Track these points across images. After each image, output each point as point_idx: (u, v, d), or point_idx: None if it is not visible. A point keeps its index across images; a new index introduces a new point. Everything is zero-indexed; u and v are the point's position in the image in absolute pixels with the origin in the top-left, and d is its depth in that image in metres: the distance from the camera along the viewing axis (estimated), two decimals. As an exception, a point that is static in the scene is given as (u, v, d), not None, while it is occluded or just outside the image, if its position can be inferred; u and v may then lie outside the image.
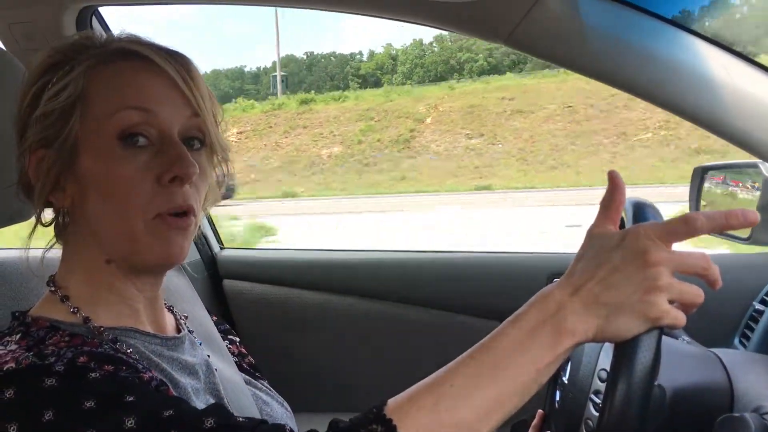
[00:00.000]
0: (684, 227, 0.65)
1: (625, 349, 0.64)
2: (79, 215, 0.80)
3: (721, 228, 0.66)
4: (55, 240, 0.85)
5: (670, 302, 0.64)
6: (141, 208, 0.76)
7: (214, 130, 0.83)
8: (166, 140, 0.78)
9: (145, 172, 0.77)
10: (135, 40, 0.81)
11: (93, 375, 0.67)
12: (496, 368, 0.64)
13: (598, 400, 0.92)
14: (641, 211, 0.74)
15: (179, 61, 0.81)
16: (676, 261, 0.64)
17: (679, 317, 0.64)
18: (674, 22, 1.06)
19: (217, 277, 1.99)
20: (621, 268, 0.64)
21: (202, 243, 1.95)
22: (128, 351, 0.77)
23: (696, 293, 0.65)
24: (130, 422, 0.63)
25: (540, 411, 1.24)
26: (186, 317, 0.97)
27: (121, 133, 0.76)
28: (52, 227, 0.85)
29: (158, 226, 0.77)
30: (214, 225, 2.06)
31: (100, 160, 0.77)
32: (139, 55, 0.79)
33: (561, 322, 0.64)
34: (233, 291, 1.97)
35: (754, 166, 1.28)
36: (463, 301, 1.82)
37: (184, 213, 0.79)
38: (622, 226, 0.73)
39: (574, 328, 0.63)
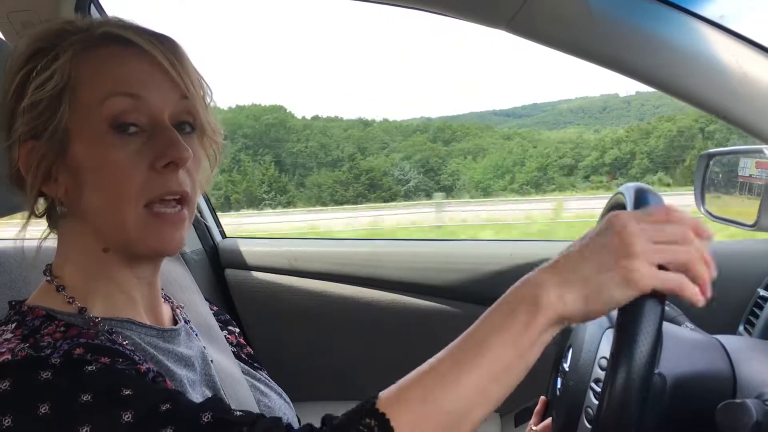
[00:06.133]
0: (665, 215, 0.66)
1: (624, 337, 0.64)
2: (74, 205, 0.79)
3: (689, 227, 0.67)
4: (49, 230, 0.85)
5: (662, 268, 0.64)
6: (135, 195, 0.75)
7: (203, 113, 0.82)
8: (157, 126, 0.77)
9: (138, 159, 0.76)
10: (119, 24, 0.80)
11: (89, 368, 0.66)
12: (479, 351, 0.64)
13: (598, 389, 0.91)
14: (642, 196, 0.74)
15: (165, 43, 0.79)
16: (656, 234, 0.65)
17: (668, 278, 0.64)
18: (681, 7, 1.04)
19: (218, 267, 1.98)
20: (597, 240, 0.65)
21: (203, 232, 1.95)
22: (124, 342, 0.76)
23: (684, 251, 0.65)
24: (127, 416, 0.62)
25: (542, 397, 1.24)
26: (182, 307, 0.96)
27: (111, 121, 0.75)
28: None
29: (150, 218, 0.76)
30: (215, 214, 2.05)
31: (92, 149, 0.76)
32: (124, 39, 0.78)
33: (536, 298, 0.64)
34: (235, 280, 1.96)
35: (760, 151, 1.27)
36: (463, 289, 1.82)
37: (178, 202, 0.78)
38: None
39: (549, 303, 0.64)
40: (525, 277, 0.67)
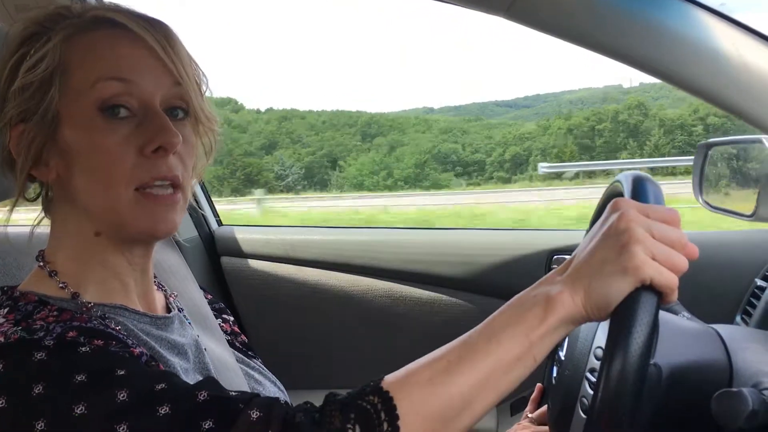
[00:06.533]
0: (667, 216, 0.66)
1: (620, 328, 0.63)
2: (65, 189, 0.79)
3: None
4: (42, 215, 0.84)
5: None
6: (124, 179, 0.75)
7: (197, 99, 0.82)
8: (147, 111, 0.77)
9: (127, 144, 0.75)
10: (112, 8, 0.79)
11: (83, 349, 0.66)
12: (490, 342, 0.64)
13: (593, 379, 0.91)
14: (639, 184, 0.73)
15: (158, 28, 0.79)
16: (653, 224, 0.65)
17: (666, 273, 0.64)
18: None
19: (214, 254, 1.98)
20: (599, 234, 0.66)
21: (199, 220, 1.95)
22: (117, 328, 0.76)
23: (680, 257, 0.65)
24: (122, 395, 0.62)
25: (539, 384, 1.24)
26: (176, 295, 0.96)
27: (101, 105, 0.75)
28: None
29: (141, 199, 0.76)
30: (211, 201, 2.05)
31: (82, 132, 0.76)
32: (116, 23, 0.77)
33: (550, 294, 0.65)
34: (231, 268, 1.96)
35: (759, 141, 1.26)
36: (460, 278, 1.82)
37: (170, 184, 0.78)
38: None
39: (562, 298, 0.64)
40: (542, 278, 0.69)
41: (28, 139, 0.77)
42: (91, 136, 0.75)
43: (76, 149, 0.76)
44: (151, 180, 0.76)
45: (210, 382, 0.70)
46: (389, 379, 0.65)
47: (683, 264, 0.65)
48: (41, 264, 0.81)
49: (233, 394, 0.67)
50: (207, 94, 0.86)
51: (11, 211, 0.85)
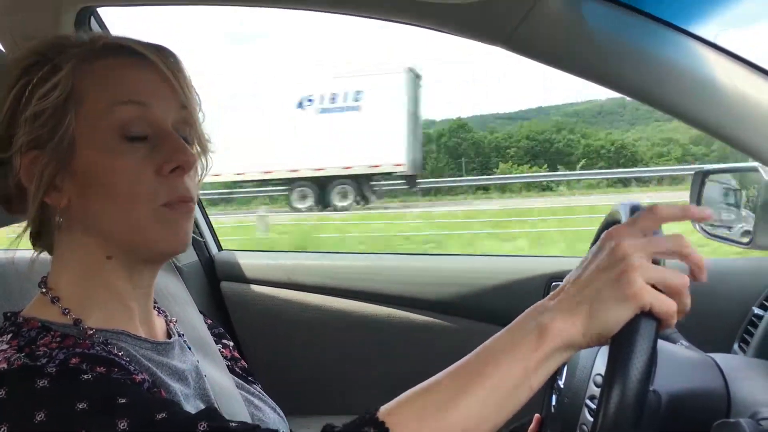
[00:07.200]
0: (651, 216, 0.67)
1: (619, 354, 0.64)
2: (76, 214, 0.79)
3: (680, 217, 0.69)
4: (38, 250, 0.85)
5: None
6: (145, 199, 0.77)
7: (198, 122, 0.85)
8: (162, 133, 0.79)
9: (145, 165, 0.77)
10: (120, 37, 0.82)
11: (85, 377, 0.66)
12: (485, 370, 0.64)
13: (593, 406, 0.91)
14: (638, 213, 0.74)
15: (167, 54, 0.81)
16: (651, 246, 0.65)
17: (664, 300, 0.64)
18: (677, 27, 1.05)
19: (214, 279, 1.98)
20: (595, 262, 0.66)
21: (199, 245, 1.95)
22: (120, 353, 0.76)
23: (678, 276, 0.65)
24: (122, 425, 0.62)
25: (537, 415, 1.24)
26: (176, 321, 0.96)
27: (120, 128, 0.77)
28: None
29: (165, 213, 0.78)
30: (212, 226, 2.05)
31: (100, 156, 0.77)
32: (128, 49, 0.79)
33: (545, 322, 0.65)
34: (231, 293, 1.96)
35: (754, 170, 1.28)
36: (461, 303, 1.82)
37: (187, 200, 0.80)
38: None
39: (556, 327, 0.64)
40: (533, 306, 0.68)
41: (41, 165, 0.77)
42: (109, 158, 0.77)
43: (94, 173, 0.77)
44: (176, 199, 0.78)
45: (210, 413, 0.70)
46: (384, 410, 0.64)
47: (683, 283, 0.65)
48: (44, 291, 0.81)
49: (233, 425, 0.67)
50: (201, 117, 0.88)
51: (20, 237, 0.85)
